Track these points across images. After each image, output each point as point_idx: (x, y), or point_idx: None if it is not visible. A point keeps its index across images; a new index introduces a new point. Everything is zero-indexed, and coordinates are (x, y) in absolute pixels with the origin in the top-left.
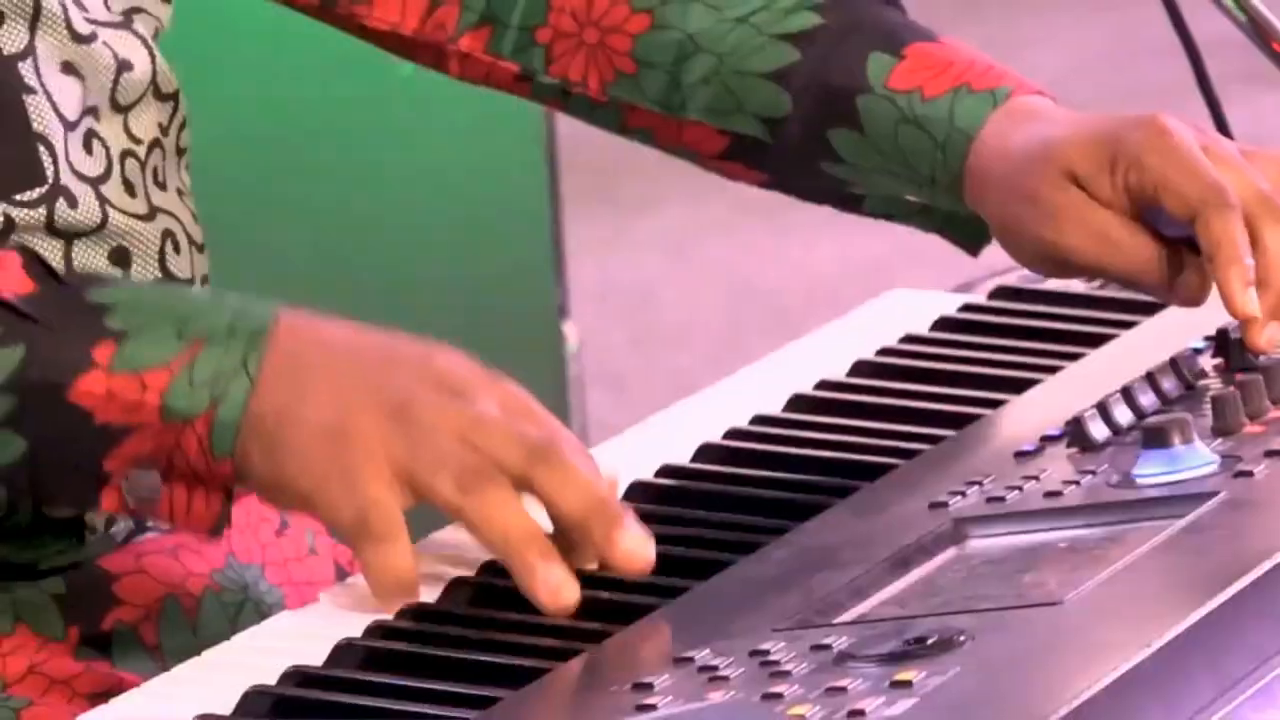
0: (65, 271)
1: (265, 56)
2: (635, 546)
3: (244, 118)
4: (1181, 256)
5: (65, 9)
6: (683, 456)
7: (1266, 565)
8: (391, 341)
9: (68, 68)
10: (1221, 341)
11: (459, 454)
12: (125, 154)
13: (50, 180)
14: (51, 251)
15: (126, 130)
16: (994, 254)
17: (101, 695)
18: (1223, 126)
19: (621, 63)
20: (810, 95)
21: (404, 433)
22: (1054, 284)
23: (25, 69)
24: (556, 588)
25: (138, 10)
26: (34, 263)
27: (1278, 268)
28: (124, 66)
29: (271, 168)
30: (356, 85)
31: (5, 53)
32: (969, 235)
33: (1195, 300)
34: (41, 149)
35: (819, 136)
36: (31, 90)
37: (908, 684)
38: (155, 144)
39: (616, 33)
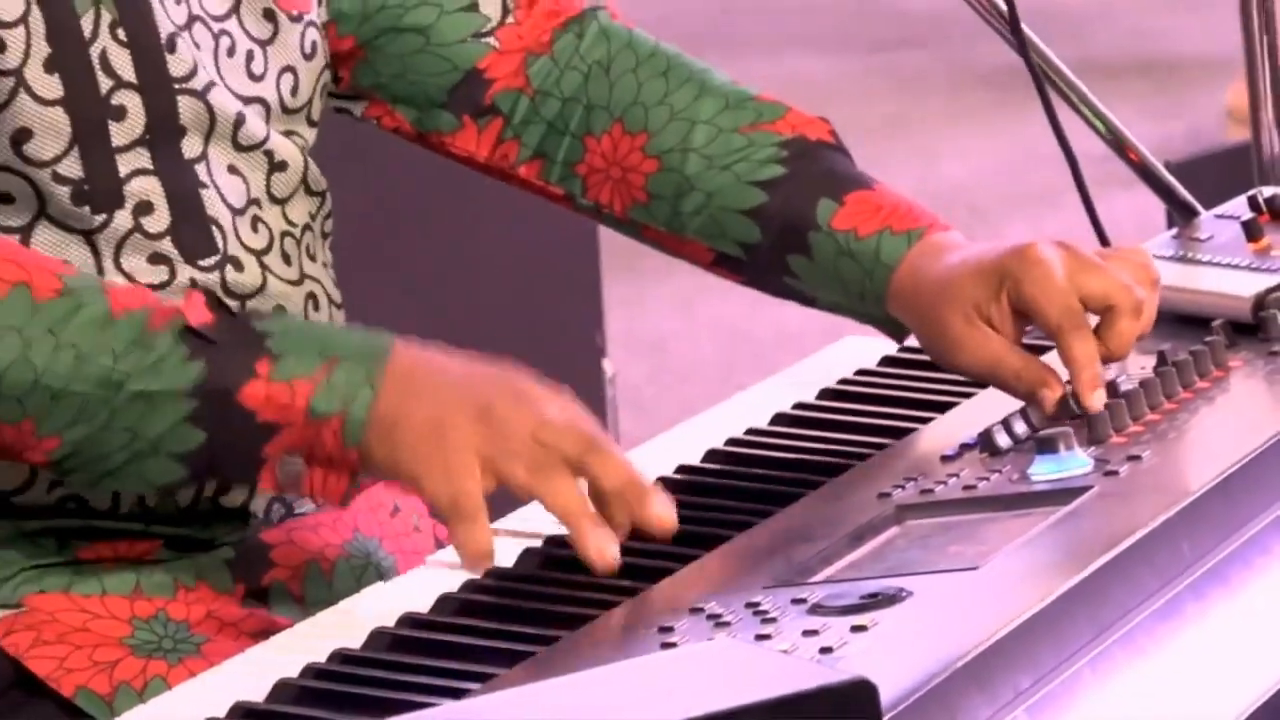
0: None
1: (386, 167)
2: (663, 511)
3: (373, 211)
4: (1041, 380)
5: (234, 129)
6: (694, 459)
7: (1129, 541)
8: (478, 363)
9: (232, 169)
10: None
11: (530, 448)
12: (284, 234)
13: (221, 251)
14: None
15: (284, 217)
16: None
17: (261, 634)
18: (1095, 219)
19: (637, 194)
20: (775, 229)
21: (488, 431)
22: None
23: (200, 169)
24: (603, 549)
25: (291, 132)
26: (213, 300)
27: (1119, 348)
28: (278, 168)
29: (393, 246)
30: (456, 188)
31: (186, 157)
32: (894, 330)
33: (1046, 412)
34: (214, 228)
35: (781, 260)
36: (204, 185)
37: (864, 628)
38: (306, 227)
39: (634, 172)
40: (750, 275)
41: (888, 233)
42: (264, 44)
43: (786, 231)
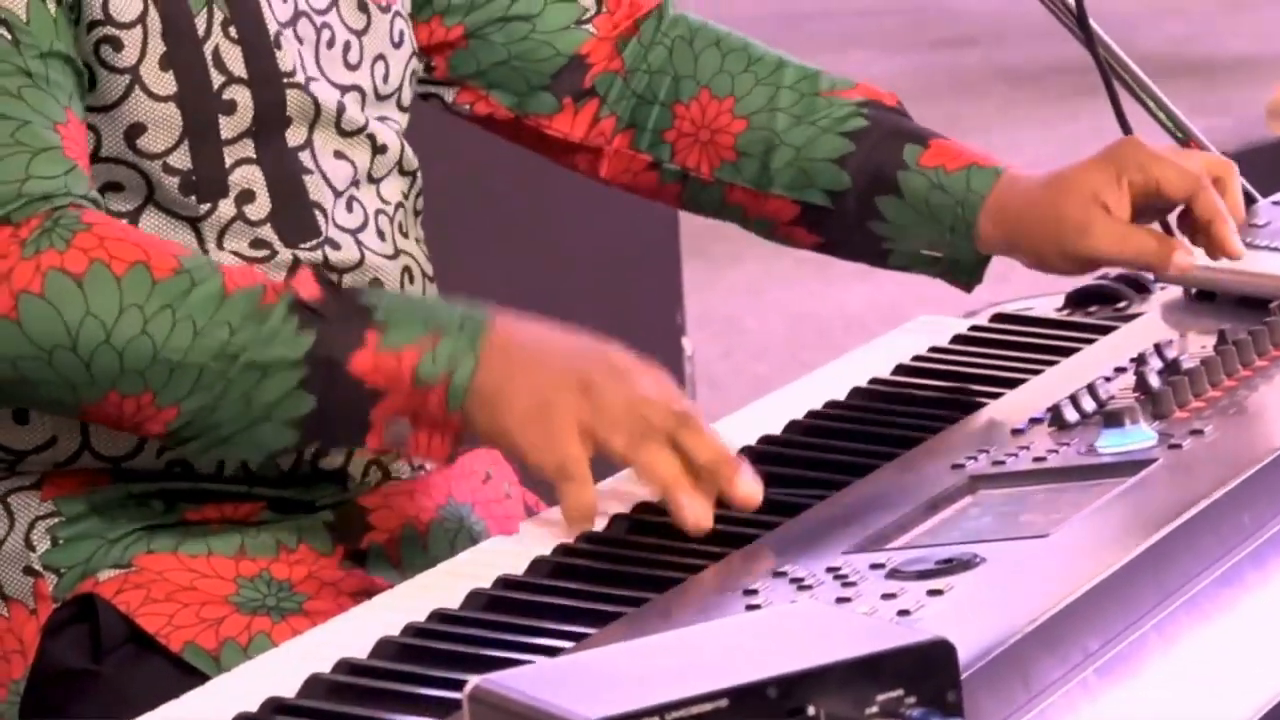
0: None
1: (478, 151)
2: (750, 487)
3: (463, 191)
4: (1170, 245)
5: (337, 115)
6: (775, 430)
7: (1192, 511)
8: (576, 337)
9: (338, 154)
10: (1139, 362)
11: (628, 420)
12: (378, 212)
13: (323, 234)
14: None
15: (378, 195)
16: (986, 291)
17: (360, 594)
18: None
19: (726, 154)
20: (863, 174)
21: (589, 404)
22: (1037, 310)
23: (305, 156)
24: (698, 516)
25: (385, 117)
26: (322, 275)
27: (1236, 206)
28: (379, 151)
29: (481, 222)
30: (546, 179)
31: (290, 145)
32: (963, 278)
33: (1184, 270)
34: (316, 212)
35: (870, 203)
36: (309, 171)
37: (940, 592)
38: (399, 205)
39: (723, 133)
40: (832, 227)
41: (975, 167)
42: (359, 34)
43: (875, 175)
